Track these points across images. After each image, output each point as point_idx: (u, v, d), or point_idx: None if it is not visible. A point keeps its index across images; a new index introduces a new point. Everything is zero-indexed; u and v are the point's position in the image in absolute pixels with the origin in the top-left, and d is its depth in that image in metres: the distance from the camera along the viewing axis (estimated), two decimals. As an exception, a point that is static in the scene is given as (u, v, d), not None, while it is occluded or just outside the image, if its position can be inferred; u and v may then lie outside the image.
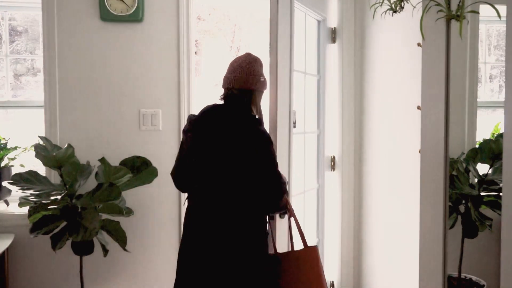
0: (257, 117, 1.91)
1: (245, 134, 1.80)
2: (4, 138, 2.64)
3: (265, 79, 1.94)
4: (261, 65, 1.93)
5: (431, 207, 2.05)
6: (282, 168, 2.00)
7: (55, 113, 2.55)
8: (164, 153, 2.63)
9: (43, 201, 2.22)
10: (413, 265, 2.14)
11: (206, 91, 4.38)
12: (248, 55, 1.93)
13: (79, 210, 2.26)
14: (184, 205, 2.18)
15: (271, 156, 1.82)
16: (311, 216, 2.90)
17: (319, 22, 2.82)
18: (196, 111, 2.74)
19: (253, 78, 1.88)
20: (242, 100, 1.88)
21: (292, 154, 2.32)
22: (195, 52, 2.78)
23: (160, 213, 2.66)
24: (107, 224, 2.31)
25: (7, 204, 2.57)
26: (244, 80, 1.87)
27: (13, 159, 2.62)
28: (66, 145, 2.24)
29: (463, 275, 2.20)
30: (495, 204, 2.10)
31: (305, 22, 2.62)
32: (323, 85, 2.89)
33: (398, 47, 2.33)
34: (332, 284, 2.98)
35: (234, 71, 1.89)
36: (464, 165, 2.18)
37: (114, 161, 2.47)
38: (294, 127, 2.37)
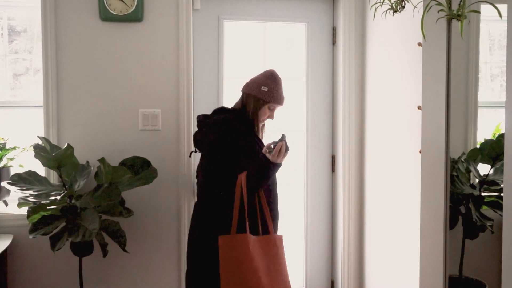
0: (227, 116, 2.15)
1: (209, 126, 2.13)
2: (3, 138, 2.64)
3: (269, 89, 2.14)
4: (271, 78, 2.17)
5: (431, 208, 2.05)
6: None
7: (54, 113, 2.54)
8: (164, 153, 2.63)
9: (42, 202, 2.21)
10: (414, 265, 2.13)
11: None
12: (267, 70, 2.21)
13: (79, 210, 2.25)
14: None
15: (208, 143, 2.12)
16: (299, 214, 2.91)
17: (307, 25, 2.86)
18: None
19: (253, 84, 2.17)
20: (241, 100, 2.21)
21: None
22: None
23: (160, 214, 2.65)
24: (107, 225, 2.30)
25: (6, 204, 2.57)
26: (246, 85, 2.22)
27: (12, 159, 2.62)
28: (65, 145, 2.23)
29: (463, 276, 2.20)
30: (496, 205, 2.10)
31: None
32: (317, 85, 2.89)
33: (398, 47, 2.33)
34: (333, 284, 2.98)
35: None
36: (465, 165, 2.17)
37: (114, 161, 2.46)
38: None
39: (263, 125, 2.27)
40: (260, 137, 2.24)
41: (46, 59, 2.52)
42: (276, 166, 2.02)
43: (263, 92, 2.13)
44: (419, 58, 2.04)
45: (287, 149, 2.01)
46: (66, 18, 2.54)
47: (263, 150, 2.02)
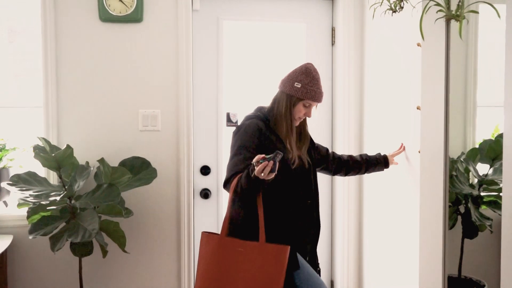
0: (253, 113, 2.04)
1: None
2: (3, 139, 2.64)
3: (303, 85, 1.97)
4: (305, 73, 2.00)
5: (431, 207, 2.05)
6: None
7: (54, 114, 2.54)
8: (163, 154, 2.63)
9: (42, 202, 2.21)
10: (413, 265, 2.14)
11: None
12: (302, 65, 2.04)
13: (78, 211, 2.25)
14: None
15: (231, 144, 2.00)
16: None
17: (306, 25, 2.87)
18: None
19: (286, 81, 2.01)
20: (274, 98, 2.05)
21: (221, 145, 2.84)
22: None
23: (159, 214, 2.66)
24: (107, 225, 2.31)
25: (6, 205, 2.57)
26: (281, 81, 2.05)
27: (12, 160, 2.62)
28: (65, 146, 2.23)
29: (463, 275, 2.20)
30: (495, 204, 2.10)
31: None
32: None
33: (397, 47, 2.33)
34: (333, 284, 2.98)
35: None
36: (464, 165, 2.18)
37: (114, 162, 2.46)
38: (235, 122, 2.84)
39: (305, 119, 2.11)
40: (305, 131, 2.12)
41: (46, 60, 2.53)
42: (257, 182, 1.76)
43: (296, 89, 1.97)
44: (418, 58, 2.05)
45: (273, 170, 1.70)
46: (66, 19, 2.55)
47: (254, 160, 1.74)
